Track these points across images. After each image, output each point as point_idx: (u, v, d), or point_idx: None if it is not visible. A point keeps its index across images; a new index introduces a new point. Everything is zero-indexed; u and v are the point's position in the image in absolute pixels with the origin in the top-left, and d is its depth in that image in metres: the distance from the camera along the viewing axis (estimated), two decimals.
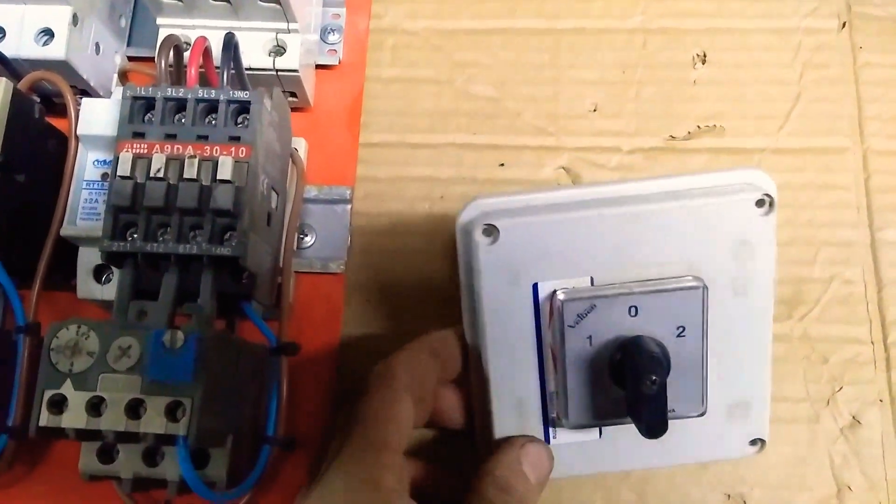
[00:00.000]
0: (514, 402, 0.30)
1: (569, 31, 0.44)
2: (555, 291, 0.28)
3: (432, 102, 0.43)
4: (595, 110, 0.43)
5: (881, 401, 0.38)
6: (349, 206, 0.41)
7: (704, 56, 0.43)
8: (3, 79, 0.33)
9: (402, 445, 0.29)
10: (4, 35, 0.37)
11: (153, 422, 0.27)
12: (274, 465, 0.35)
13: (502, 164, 0.42)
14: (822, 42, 0.43)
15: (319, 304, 0.39)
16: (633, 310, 0.28)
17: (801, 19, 0.44)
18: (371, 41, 0.44)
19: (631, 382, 0.27)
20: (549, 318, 0.28)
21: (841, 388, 0.38)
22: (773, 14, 0.44)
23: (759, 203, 0.27)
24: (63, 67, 0.37)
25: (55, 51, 0.37)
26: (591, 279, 0.28)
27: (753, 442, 0.31)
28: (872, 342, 0.39)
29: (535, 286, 0.28)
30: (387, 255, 0.41)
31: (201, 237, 0.30)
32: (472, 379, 0.31)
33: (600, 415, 0.29)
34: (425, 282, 0.40)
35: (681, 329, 0.28)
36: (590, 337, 0.28)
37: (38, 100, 0.36)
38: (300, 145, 0.40)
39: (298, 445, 0.36)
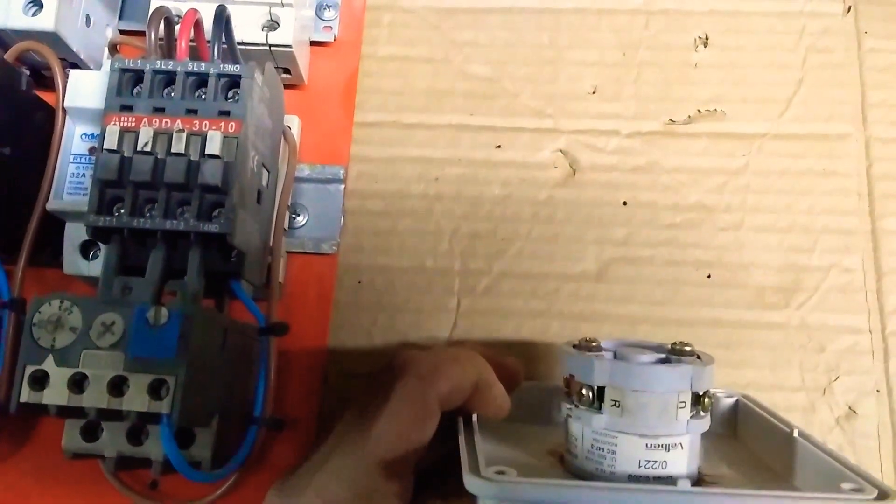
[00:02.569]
0: None
1: (568, 11, 0.43)
2: None
3: (428, 82, 0.42)
4: (594, 92, 0.42)
5: (878, 391, 0.37)
6: (342, 186, 0.40)
7: (706, 39, 0.43)
8: None
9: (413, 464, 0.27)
10: None
11: (136, 399, 0.27)
12: (261, 447, 0.34)
13: (499, 146, 0.41)
14: (826, 26, 0.43)
15: (311, 285, 0.39)
16: None
17: (805, 2, 0.43)
18: (367, 18, 0.43)
19: None
20: None
21: (838, 378, 0.38)
22: None
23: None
24: (52, 39, 0.36)
25: (44, 21, 0.36)
26: None
27: None
28: (871, 331, 0.38)
29: None
30: (380, 237, 0.40)
31: (189, 213, 0.30)
32: None
33: None
34: (418, 264, 0.39)
35: None
36: None
37: (27, 71, 0.36)
38: (293, 123, 0.39)
39: (286, 427, 0.36)
